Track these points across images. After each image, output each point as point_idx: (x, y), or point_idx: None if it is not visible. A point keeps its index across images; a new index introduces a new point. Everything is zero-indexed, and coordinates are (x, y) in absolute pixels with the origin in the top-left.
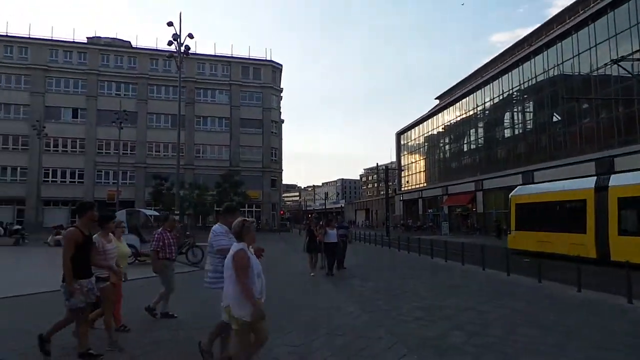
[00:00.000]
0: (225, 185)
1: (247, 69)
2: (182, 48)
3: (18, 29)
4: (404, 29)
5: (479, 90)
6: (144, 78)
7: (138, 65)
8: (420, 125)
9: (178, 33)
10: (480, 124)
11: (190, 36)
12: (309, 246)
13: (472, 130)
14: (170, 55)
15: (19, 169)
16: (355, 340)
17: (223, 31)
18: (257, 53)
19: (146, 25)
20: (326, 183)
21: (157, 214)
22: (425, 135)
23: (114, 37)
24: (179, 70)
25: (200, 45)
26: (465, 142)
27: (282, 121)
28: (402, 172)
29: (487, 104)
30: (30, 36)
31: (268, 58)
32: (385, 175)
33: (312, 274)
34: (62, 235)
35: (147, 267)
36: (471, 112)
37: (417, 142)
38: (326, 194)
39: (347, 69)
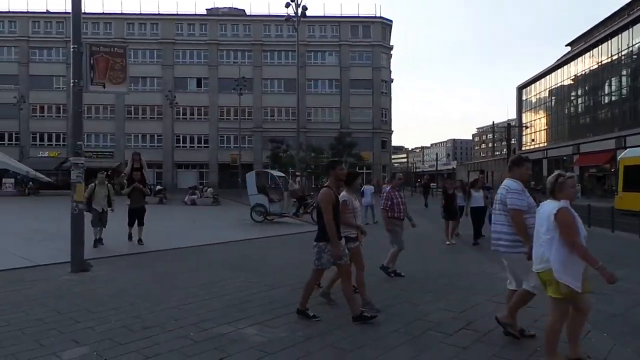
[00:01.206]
0: (339, 146)
1: (357, 28)
2: (300, 9)
3: (148, 7)
4: None
5: (625, 32)
6: (258, 44)
7: (253, 32)
8: (546, 78)
9: None
10: (624, 72)
11: None
12: (446, 211)
13: (614, 80)
14: (287, 18)
15: (155, 136)
16: (525, 309)
17: None
18: (367, 10)
19: None
20: (435, 144)
21: (282, 175)
22: (552, 88)
23: (230, 6)
24: (296, 31)
25: (310, 8)
26: (603, 93)
27: (392, 80)
28: (524, 130)
29: (636, 47)
30: (160, 12)
31: (378, 14)
32: (508, 133)
33: (448, 243)
34: (198, 196)
35: (277, 226)
36: (613, 58)
37: (541, 97)
38: (437, 155)
39: (461, 18)
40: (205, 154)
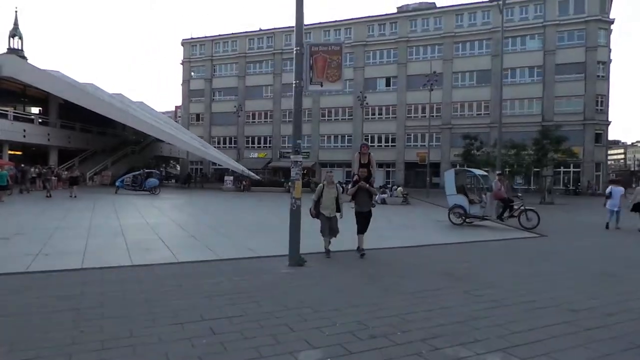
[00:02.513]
0: (545, 141)
1: (566, 3)
2: None
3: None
4: None
5: None
6: (449, 37)
7: (443, 24)
8: None
9: None
10: None
11: None
12: None
13: None
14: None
15: (346, 136)
16: None
17: None
18: None
19: None
20: None
21: (485, 174)
22: None
23: (421, 1)
24: (501, 12)
25: None
26: None
27: (610, 61)
28: None
29: None
30: (352, 17)
31: None
32: None
33: None
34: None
35: (477, 229)
36: None
37: None
38: None
39: None
40: (392, 152)
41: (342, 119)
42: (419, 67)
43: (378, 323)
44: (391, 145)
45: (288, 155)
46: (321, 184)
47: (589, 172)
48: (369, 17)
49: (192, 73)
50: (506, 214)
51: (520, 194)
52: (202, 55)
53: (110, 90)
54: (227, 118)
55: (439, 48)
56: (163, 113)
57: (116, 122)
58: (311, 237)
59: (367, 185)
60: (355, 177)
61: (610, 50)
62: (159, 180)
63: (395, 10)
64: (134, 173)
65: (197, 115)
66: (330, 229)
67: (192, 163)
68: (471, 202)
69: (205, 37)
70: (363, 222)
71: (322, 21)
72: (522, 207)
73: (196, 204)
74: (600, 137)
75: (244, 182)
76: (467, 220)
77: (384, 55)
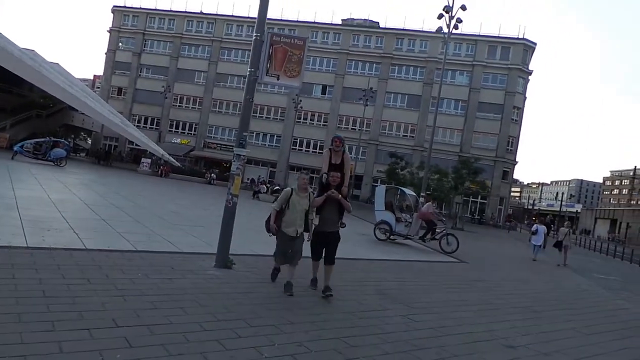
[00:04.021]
0: (463, 171)
1: (495, 49)
2: (453, 21)
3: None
4: None
5: None
6: (388, 57)
7: (384, 44)
8: None
9: (450, 5)
10: None
11: (464, 8)
12: None
13: None
14: (438, 29)
15: (275, 136)
16: None
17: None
18: (509, 30)
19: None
20: (556, 182)
21: (414, 194)
22: None
23: (366, 18)
24: (445, 45)
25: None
26: None
27: (524, 107)
28: None
29: None
30: (298, 20)
31: (520, 36)
32: None
33: None
34: None
35: (400, 248)
36: None
37: None
38: (557, 194)
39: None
40: (317, 159)
41: (273, 119)
42: (355, 81)
43: (321, 346)
44: (318, 152)
45: (213, 145)
46: (289, 189)
47: (493, 205)
48: (314, 22)
49: (120, 44)
50: (429, 236)
51: (444, 218)
52: (133, 27)
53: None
54: (153, 97)
55: (377, 66)
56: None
57: (24, 81)
58: (241, 236)
59: (340, 195)
60: (325, 179)
61: (525, 98)
62: (66, 152)
63: (340, 22)
64: (37, 140)
65: (120, 89)
66: (293, 253)
67: (106, 139)
68: (398, 219)
69: (140, 8)
70: (327, 247)
71: (268, 17)
72: (445, 231)
73: (108, 184)
74: (507, 175)
75: (163, 167)
76: (391, 237)
77: (323, 63)
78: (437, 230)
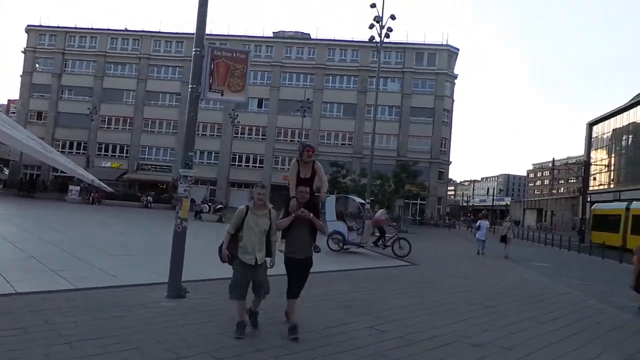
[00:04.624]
0: (403, 175)
1: (422, 55)
2: (384, 30)
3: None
4: None
5: None
6: (321, 68)
7: (316, 56)
8: (623, 115)
9: (380, 15)
10: None
11: (393, 17)
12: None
13: None
14: (370, 38)
15: (213, 153)
16: None
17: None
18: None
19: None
20: (486, 178)
21: (363, 201)
22: (631, 125)
23: (297, 30)
24: (378, 54)
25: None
26: None
27: (453, 109)
28: (595, 169)
29: None
30: (230, 33)
31: (444, 42)
32: (586, 171)
33: None
34: None
35: (355, 256)
36: None
37: (617, 134)
38: (488, 189)
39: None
40: (258, 174)
41: (210, 135)
42: (291, 93)
43: None
44: (259, 167)
45: (147, 167)
46: (243, 207)
47: (432, 205)
48: (245, 36)
49: (37, 65)
50: (381, 242)
51: (395, 223)
52: (51, 47)
53: None
54: (78, 120)
55: (311, 77)
56: None
57: None
58: (190, 261)
59: (310, 214)
60: (293, 207)
61: (453, 101)
62: None
63: (271, 35)
64: None
65: (39, 114)
66: (254, 285)
67: (26, 167)
68: (349, 228)
69: (58, 27)
70: (296, 277)
71: (189, 32)
72: (396, 236)
73: (33, 217)
74: (442, 175)
75: (94, 194)
76: (344, 247)
77: (257, 76)
78: (387, 235)
